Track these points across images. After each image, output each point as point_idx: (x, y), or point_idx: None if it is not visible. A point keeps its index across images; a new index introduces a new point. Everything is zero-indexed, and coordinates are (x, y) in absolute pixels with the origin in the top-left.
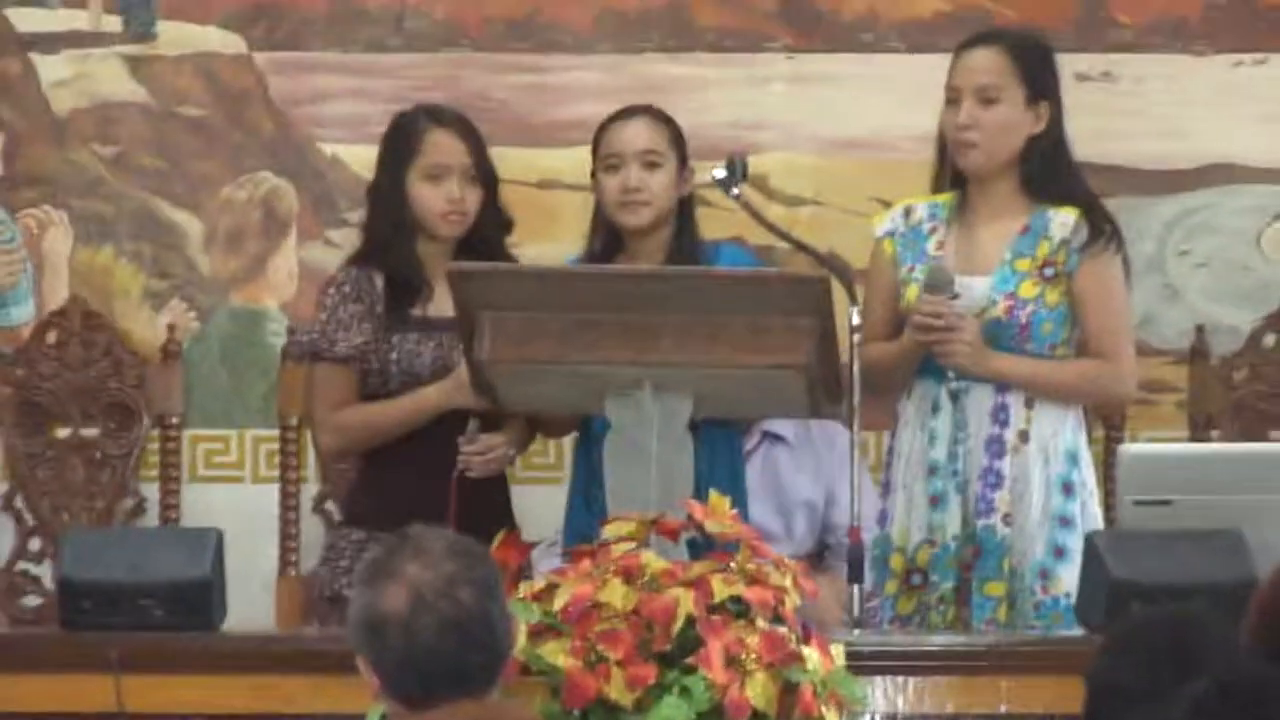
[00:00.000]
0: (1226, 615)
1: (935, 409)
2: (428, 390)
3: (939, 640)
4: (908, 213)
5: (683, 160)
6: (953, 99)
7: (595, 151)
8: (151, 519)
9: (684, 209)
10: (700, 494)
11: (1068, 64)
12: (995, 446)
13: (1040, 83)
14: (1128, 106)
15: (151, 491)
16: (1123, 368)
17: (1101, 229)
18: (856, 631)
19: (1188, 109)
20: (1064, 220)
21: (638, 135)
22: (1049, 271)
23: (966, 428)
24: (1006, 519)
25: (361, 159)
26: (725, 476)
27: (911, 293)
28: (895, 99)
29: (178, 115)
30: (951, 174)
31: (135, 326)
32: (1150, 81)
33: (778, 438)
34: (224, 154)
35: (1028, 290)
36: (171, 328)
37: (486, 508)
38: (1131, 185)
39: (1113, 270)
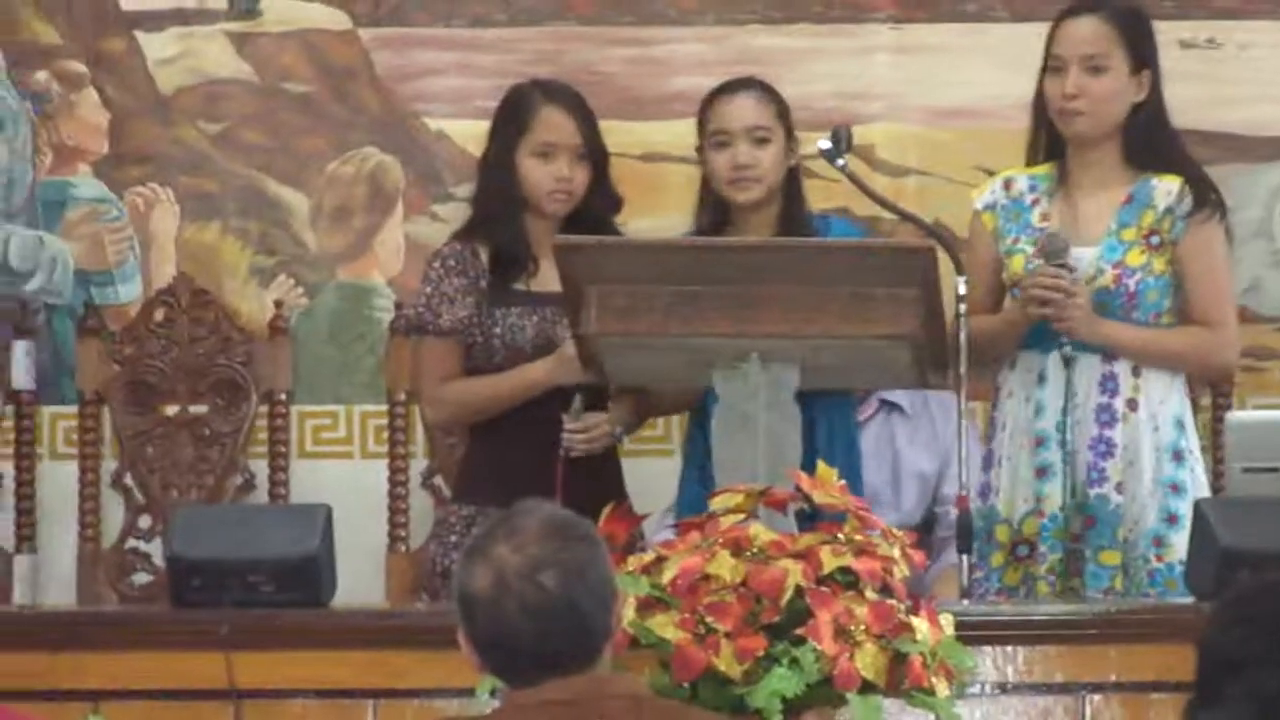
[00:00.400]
0: None
1: (1041, 379)
2: (534, 366)
3: (1047, 610)
4: (1008, 185)
5: (789, 133)
6: (1057, 67)
7: (701, 126)
8: (260, 495)
9: (791, 181)
10: (813, 463)
11: (1172, 31)
12: (1105, 415)
13: (1142, 51)
14: (1232, 73)
15: (260, 468)
16: (1228, 336)
17: (1206, 197)
18: (965, 601)
19: None
20: (1168, 189)
21: (746, 111)
22: (1155, 240)
23: (1075, 397)
24: (1119, 487)
25: (467, 134)
26: (841, 446)
27: (1017, 264)
28: (999, 68)
29: (283, 92)
30: (1047, 144)
31: (243, 303)
32: (1255, 48)
33: (894, 406)
34: (329, 130)
35: (1135, 258)
36: (279, 304)
37: (597, 481)
38: (1237, 152)
39: (1217, 238)
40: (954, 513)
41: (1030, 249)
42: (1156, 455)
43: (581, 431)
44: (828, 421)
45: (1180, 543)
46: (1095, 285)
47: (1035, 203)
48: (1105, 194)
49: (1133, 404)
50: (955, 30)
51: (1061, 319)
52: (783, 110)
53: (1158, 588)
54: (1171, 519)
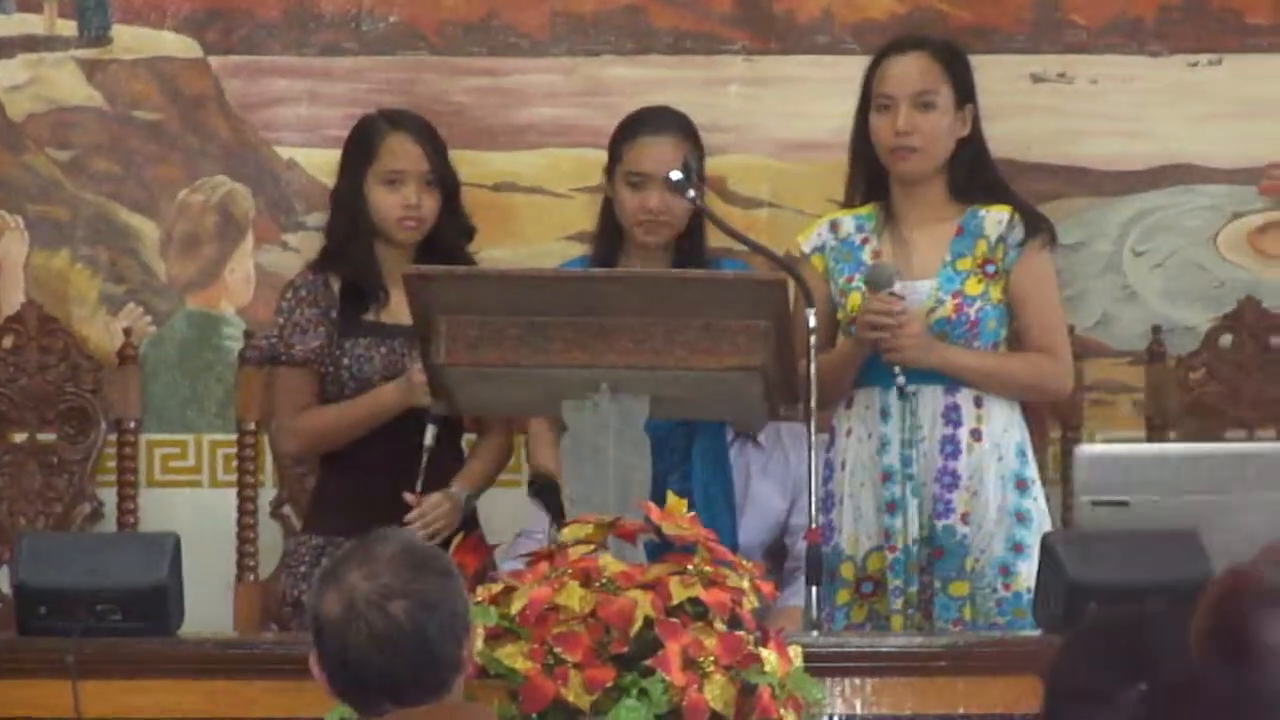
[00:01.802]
0: (1183, 616)
1: (884, 415)
2: (385, 389)
3: (896, 641)
4: (834, 226)
5: (701, 176)
6: (885, 105)
7: (613, 157)
8: (109, 524)
9: (692, 218)
10: (690, 491)
11: (1023, 65)
12: (949, 447)
13: (965, 86)
14: (1084, 107)
15: (109, 496)
16: (1065, 363)
17: (1037, 225)
18: (814, 633)
19: (1143, 109)
20: (998, 218)
21: (666, 158)
22: (990, 269)
23: (919, 430)
24: (965, 518)
25: (318, 163)
26: (717, 473)
27: (853, 301)
28: (851, 100)
29: (134, 119)
30: (865, 184)
31: (92, 331)
32: (1106, 82)
33: (749, 437)
34: (180, 158)
35: (973, 287)
36: (128, 332)
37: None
38: (1088, 186)
39: (1048, 266)
40: (803, 544)
41: (865, 287)
42: (1001, 484)
43: (420, 519)
44: (703, 448)
45: (1027, 571)
46: (935, 315)
47: (865, 241)
48: (934, 227)
49: (976, 434)
50: (807, 62)
51: (893, 346)
52: (699, 154)
53: (1006, 617)
54: (1018, 548)
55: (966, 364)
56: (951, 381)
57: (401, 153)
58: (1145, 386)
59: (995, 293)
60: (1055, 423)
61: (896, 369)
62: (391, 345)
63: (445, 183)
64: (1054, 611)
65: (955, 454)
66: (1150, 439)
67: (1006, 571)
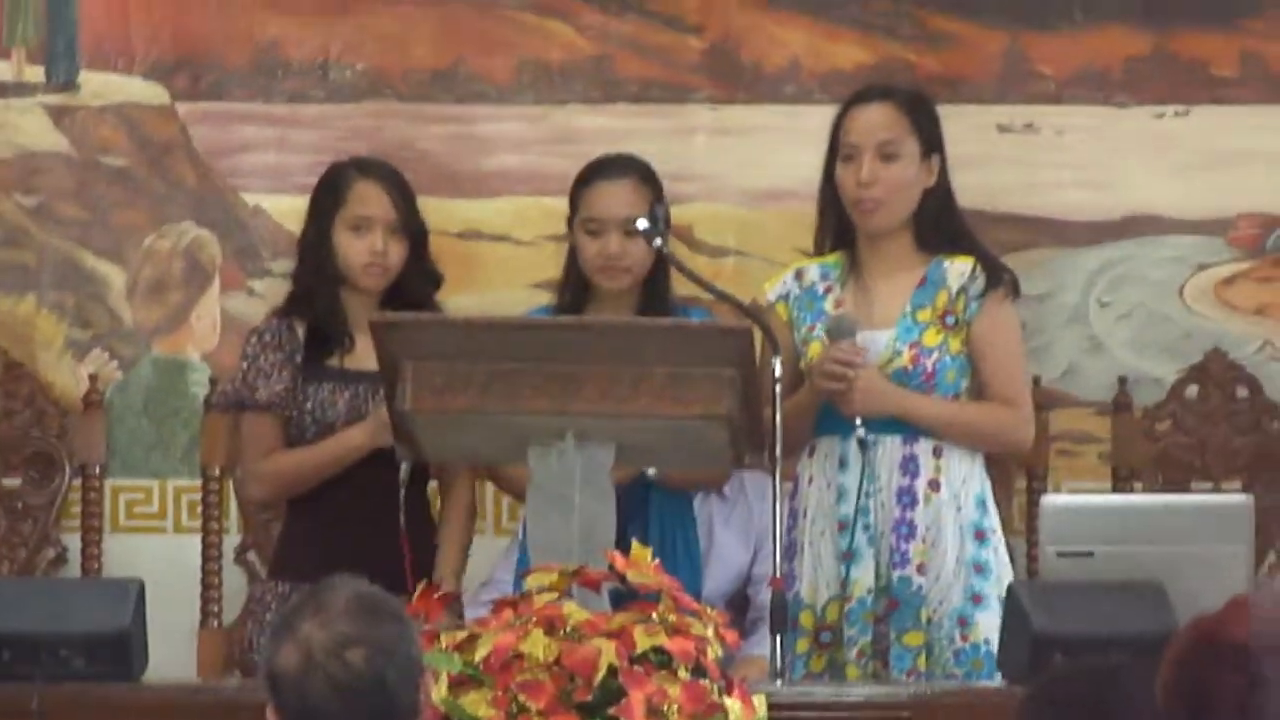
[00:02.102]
0: (1148, 668)
1: (843, 464)
2: (351, 431)
3: (861, 691)
4: (799, 275)
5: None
6: (849, 155)
7: (573, 205)
8: (73, 569)
9: (657, 265)
10: (650, 539)
11: (989, 115)
12: (907, 498)
13: (931, 136)
14: (1050, 158)
15: (73, 542)
16: (1025, 414)
17: (999, 276)
18: (779, 682)
19: (1110, 160)
20: (961, 269)
21: (622, 202)
22: (950, 320)
23: (877, 480)
24: (921, 569)
25: (284, 209)
26: (682, 536)
27: (814, 350)
28: (818, 150)
29: (101, 165)
30: (834, 232)
31: (57, 377)
32: (1072, 133)
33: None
34: (147, 204)
35: (931, 339)
36: (94, 378)
37: (415, 557)
38: (1054, 236)
39: (1010, 317)
40: (767, 594)
41: (826, 338)
42: (960, 535)
43: None
44: (663, 499)
45: (985, 622)
46: (893, 366)
47: (828, 290)
48: (898, 277)
49: (935, 484)
50: (773, 112)
51: (845, 400)
52: (659, 197)
53: (963, 668)
54: (976, 599)
55: (924, 411)
56: (911, 432)
57: (369, 199)
58: (1111, 437)
59: (955, 344)
60: (1021, 473)
61: (857, 420)
62: (355, 390)
63: (412, 231)
64: (1018, 662)
65: (912, 504)
66: (1116, 490)
67: (964, 623)
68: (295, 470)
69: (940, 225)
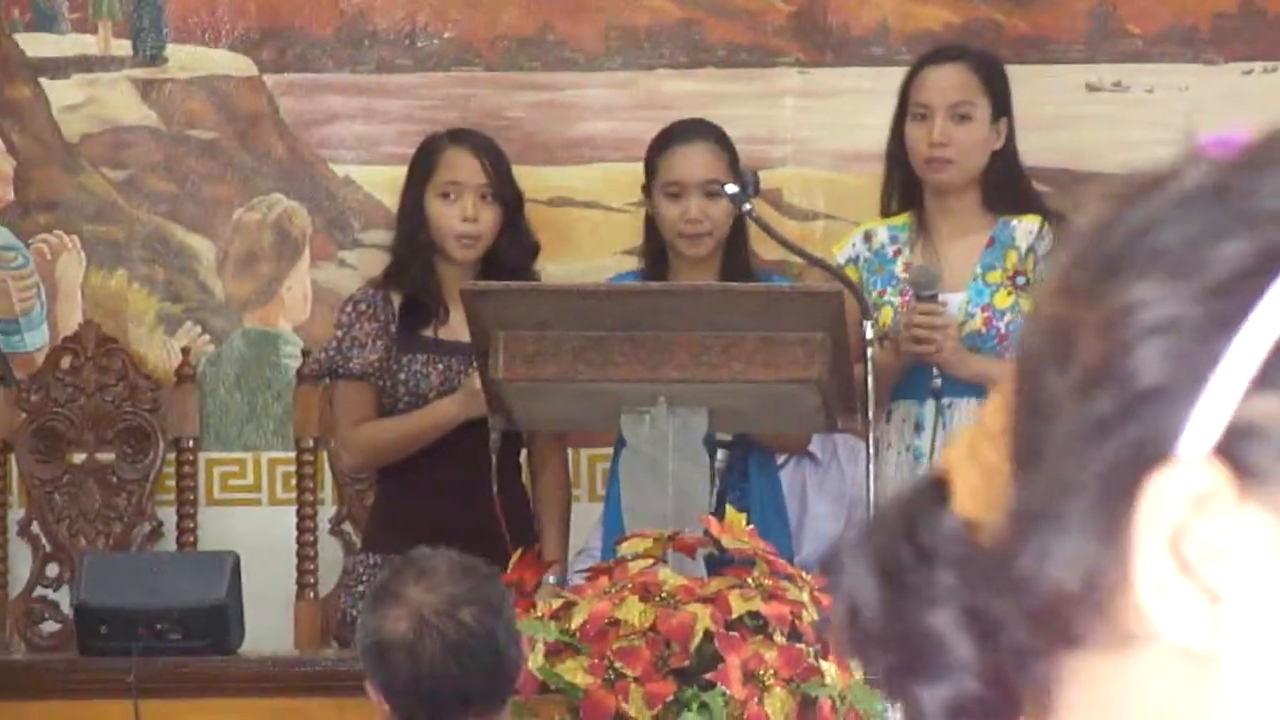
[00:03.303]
0: None
1: (919, 428)
2: (443, 402)
3: None
4: (868, 237)
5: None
6: (922, 115)
7: (650, 170)
8: (168, 543)
9: (737, 230)
10: (743, 506)
11: (1078, 74)
12: None
13: (1002, 98)
14: (1139, 116)
15: (168, 515)
16: None
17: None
18: None
19: (1199, 118)
20: (1028, 228)
21: (700, 164)
22: (1021, 280)
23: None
24: None
25: (374, 180)
26: (768, 488)
27: (886, 316)
28: None
29: (189, 138)
30: (901, 193)
31: (149, 351)
32: (1161, 91)
33: (805, 453)
34: (235, 177)
35: (1002, 300)
36: (186, 351)
37: (508, 525)
38: None
39: None
40: None
41: (898, 300)
42: None
43: None
44: (757, 464)
45: None
46: (965, 330)
47: (898, 253)
48: (967, 239)
49: None
50: (862, 74)
51: (939, 355)
52: (734, 160)
53: None
54: None
55: (989, 373)
56: (985, 395)
57: (458, 165)
58: None
59: (1027, 305)
60: None
61: (935, 373)
62: (449, 362)
63: (506, 198)
64: None
65: None
66: None
67: None
68: (388, 439)
69: (1008, 186)
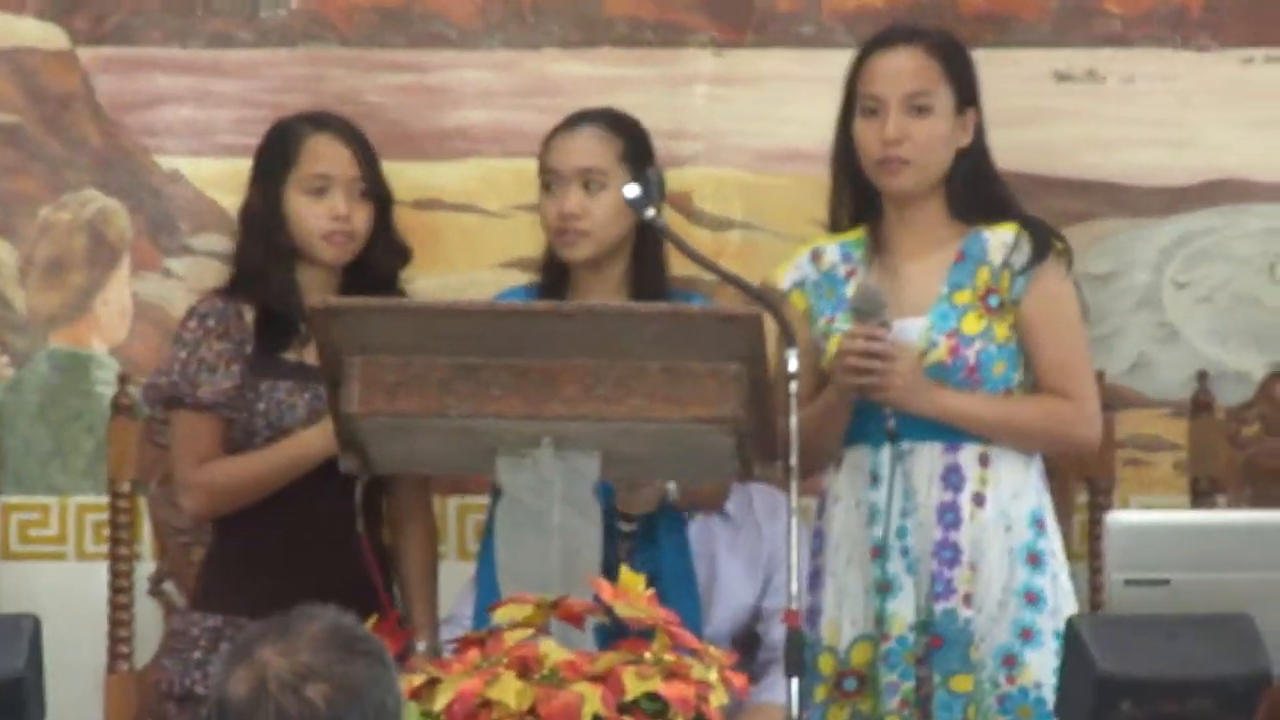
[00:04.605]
0: (1233, 716)
1: (874, 479)
2: (308, 435)
3: None
4: (816, 257)
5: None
6: (872, 109)
7: (539, 168)
8: None
9: (645, 241)
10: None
11: (1045, 61)
12: (949, 515)
13: (967, 87)
14: (1117, 111)
15: None
16: (1088, 408)
17: (1047, 244)
18: None
19: (1188, 114)
20: (1003, 239)
21: (579, 150)
22: (993, 301)
23: (914, 496)
24: (968, 599)
25: (207, 174)
26: (678, 573)
27: (833, 346)
28: (840, 103)
29: None
30: (853, 203)
31: None
32: (1144, 82)
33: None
34: (42, 169)
35: (971, 325)
36: None
37: (358, 587)
38: (1121, 204)
39: (1064, 292)
40: (780, 629)
41: (848, 327)
42: (1009, 559)
43: None
44: (664, 521)
45: (1037, 663)
46: (929, 360)
47: (850, 274)
48: (932, 255)
49: (979, 499)
50: (788, 57)
51: (880, 386)
52: (629, 151)
53: (1008, 717)
54: (1026, 634)
55: (967, 411)
56: (952, 437)
57: (326, 155)
58: (1189, 443)
59: (1001, 330)
60: (1082, 486)
61: (888, 411)
62: (316, 390)
63: (378, 195)
64: (1081, 711)
65: (955, 524)
66: (1195, 505)
67: (1012, 662)
68: (241, 480)
69: (977, 190)
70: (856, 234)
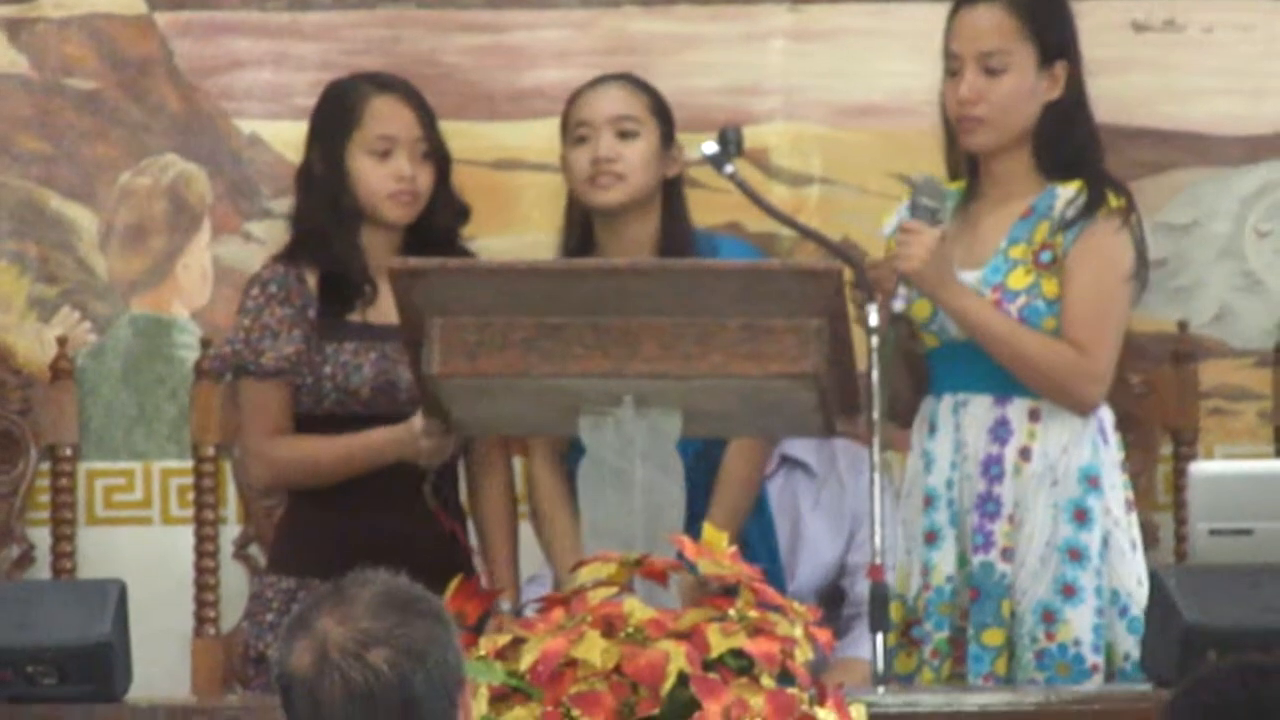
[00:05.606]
0: None
1: (932, 429)
2: (380, 436)
3: (979, 699)
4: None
5: (668, 137)
6: (954, 69)
7: (564, 128)
8: (42, 569)
9: (672, 193)
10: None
11: (1124, 11)
12: (994, 469)
13: (1054, 40)
14: (1196, 61)
15: (41, 537)
16: (1094, 366)
17: (1101, 198)
18: (881, 690)
19: (1267, 63)
20: (1068, 196)
21: (610, 100)
22: (1045, 256)
23: (964, 448)
24: (1006, 554)
25: (286, 137)
26: (758, 529)
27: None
28: (917, 56)
29: (66, 89)
30: (959, 154)
31: (20, 341)
32: (1222, 31)
33: (799, 464)
34: (122, 134)
35: (1018, 280)
36: (63, 341)
37: (436, 548)
38: (1201, 154)
39: (1110, 248)
40: (865, 584)
41: None
42: (1053, 515)
43: None
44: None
45: (1076, 619)
46: None
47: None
48: (1007, 208)
49: (1026, 453)
50: (865, 11)
51: (904, 258)
52: (658, 107)
53: (1046, 672)
54: (1067, 590)
55: (977, 314)
56: (1004, 390)
57: (391, 117)
58: (1273, 392)
59: (1049, 286)
60: (1166, 436)
61: (900, 289)
62: (383, 350)
63: (439, 156)
64: (1165, 661)
65: (999, 477)
66: (1279, 454)
67: (1051, 619)
68: (308, 464)
69: (1066, 144)
70: (960, 184)
